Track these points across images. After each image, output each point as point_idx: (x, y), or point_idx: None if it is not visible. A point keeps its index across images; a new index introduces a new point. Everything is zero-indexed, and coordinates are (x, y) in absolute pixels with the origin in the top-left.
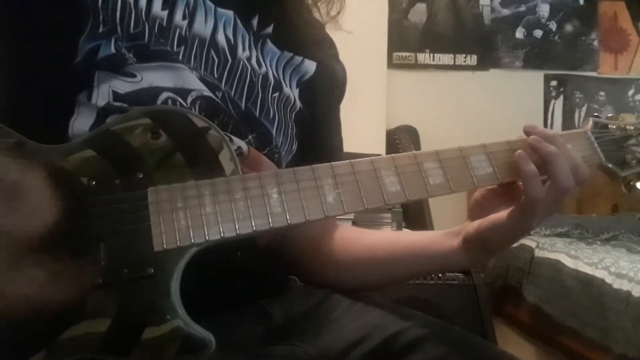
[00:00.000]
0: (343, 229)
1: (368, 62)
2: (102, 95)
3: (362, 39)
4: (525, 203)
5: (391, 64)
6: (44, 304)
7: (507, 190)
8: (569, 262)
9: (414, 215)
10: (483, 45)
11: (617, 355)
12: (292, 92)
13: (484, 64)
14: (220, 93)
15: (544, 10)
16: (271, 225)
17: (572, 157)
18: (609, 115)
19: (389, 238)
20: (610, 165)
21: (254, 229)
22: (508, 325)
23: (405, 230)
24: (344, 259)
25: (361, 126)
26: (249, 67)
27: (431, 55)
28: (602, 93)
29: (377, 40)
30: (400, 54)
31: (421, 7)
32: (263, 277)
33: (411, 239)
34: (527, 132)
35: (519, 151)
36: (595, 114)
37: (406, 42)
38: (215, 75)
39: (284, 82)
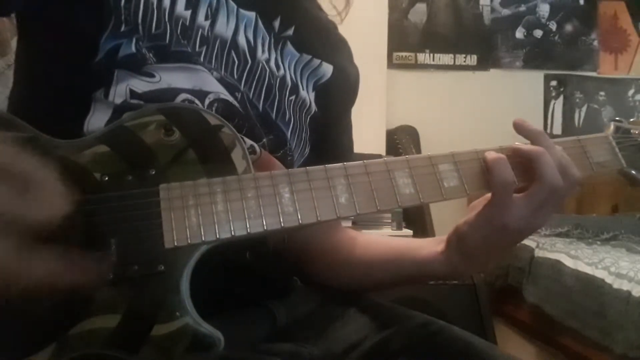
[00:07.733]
0: (338, 230)
1: (368, 62)
2: (119, 93)
3: (362, 39)
4: (493, 193)
5: (391, 64)
6: (54, 298)
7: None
8: (569, 262)
9: (414, 214)
10: (483, 45)
11: (617, 355)
12: (308, 96)
13: (484, 64)
14: (240, 94)
15: (544, 10)
16: (282, 224)
17: (559, 155)
18: (632, 119)
19: (375, 241)
20: (632, 172)
21: (265, 228)
22: (508, 325)
23: (405, 230)
24: (334, 260)
25: (361, 126)
26: (268, 70)
27: (431, 55)
28: (602, 93)
29: (377, 40)
30: (400, 54)
31: (421, 7)
32: (269, 279)
33: (396, 243)
34: (515, 127)
35: (487, 153)
36: (617, 118)
37: (406, 42)
38: (235, 76)
39: (301, 85)
